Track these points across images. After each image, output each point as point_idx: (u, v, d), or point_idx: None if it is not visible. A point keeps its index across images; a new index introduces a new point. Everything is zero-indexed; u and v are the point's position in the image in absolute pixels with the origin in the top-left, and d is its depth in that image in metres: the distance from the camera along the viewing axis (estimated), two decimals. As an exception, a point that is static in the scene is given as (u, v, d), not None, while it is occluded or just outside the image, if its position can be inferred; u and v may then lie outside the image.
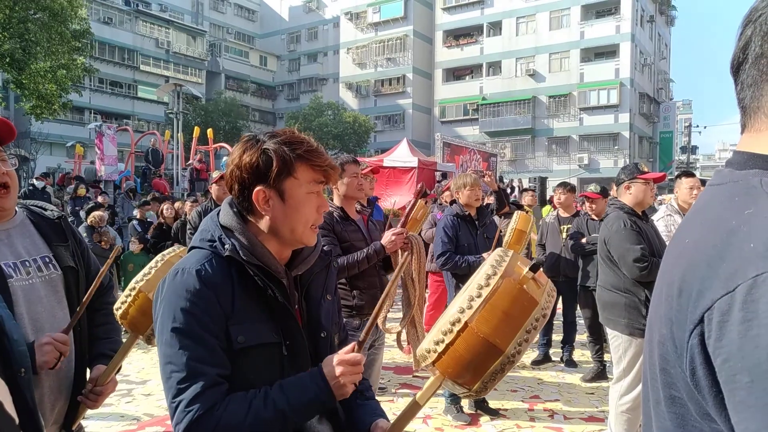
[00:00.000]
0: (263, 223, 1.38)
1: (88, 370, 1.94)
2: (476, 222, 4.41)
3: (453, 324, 1.30)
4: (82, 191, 13.09)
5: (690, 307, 0.64)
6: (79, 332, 1.88)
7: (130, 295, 1.85)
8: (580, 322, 5.96)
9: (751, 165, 0.71)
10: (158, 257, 1.97)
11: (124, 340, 1.95)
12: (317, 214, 1.39)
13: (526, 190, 7.72)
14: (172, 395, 1.24)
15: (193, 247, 1.40)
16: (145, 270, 1.91)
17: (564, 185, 6.11)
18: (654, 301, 0.78)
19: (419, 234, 4.33)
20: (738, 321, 0.57)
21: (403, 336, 3.36)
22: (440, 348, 1.31)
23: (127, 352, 1.92)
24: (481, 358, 1.28)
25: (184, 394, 1.22)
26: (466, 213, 4.37)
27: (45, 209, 1.99)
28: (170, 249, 2.05)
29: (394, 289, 3.14)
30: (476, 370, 1.30)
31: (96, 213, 7.50)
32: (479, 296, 1.30)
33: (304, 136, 1.39)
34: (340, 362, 1.29)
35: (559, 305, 5.90)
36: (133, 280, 1.88)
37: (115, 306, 1.92)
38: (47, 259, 1.85)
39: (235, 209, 1.40)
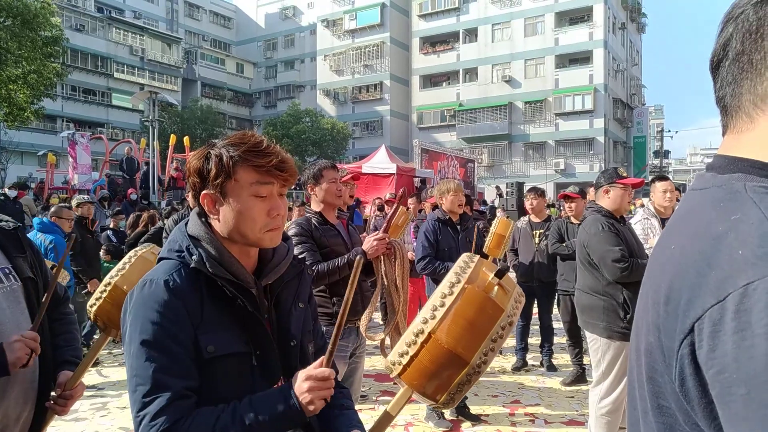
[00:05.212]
0: (219, 228, 1.35)
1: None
2: (458, 226, 4.45)
3: (417, 335, 1.27)
4: (54, 201, 12.84)
5: (680, 316, 0.63)
6: (42, 342, 1.86)
7: (105, 290, 1.89)
8: (558, 326, 5.99)
9: (733, 169, 0.70)
10: (131, 253, 2.03)
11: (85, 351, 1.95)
12: (268, 218, 1.32)
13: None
14: (137, 409, 1.20)
15: (161, 258, 1.38)
16: (119, 265, 1.95)
17: (534, 190, 6.11)
18: (639, 308, 0.77)
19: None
20: (731, 331, 0.56)
21: (387, 342, 3.33)
22: (405, 360, 1.28)
23: (96, 354, 1.94)
24: (446, 369, 1.25)
25: (149, 408, 1.19)
26: (448, 217, 4.43)
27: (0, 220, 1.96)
28: (142, 246, 2.12)
29: (376, 296, 3.11)
30: (442, 381, 1.27)
31: (85, 205, 7.29)
32: (442, 305, 1.27)
33: (256, 137, 1.34)
34: (308, 377, 1.26)
35: (535, 310, 5.94)
36: (108, 276, 1.93)
37: (89, 303, 1.96)
38: (7, 271, 1.83)
39: (202, 218, 1.38)
